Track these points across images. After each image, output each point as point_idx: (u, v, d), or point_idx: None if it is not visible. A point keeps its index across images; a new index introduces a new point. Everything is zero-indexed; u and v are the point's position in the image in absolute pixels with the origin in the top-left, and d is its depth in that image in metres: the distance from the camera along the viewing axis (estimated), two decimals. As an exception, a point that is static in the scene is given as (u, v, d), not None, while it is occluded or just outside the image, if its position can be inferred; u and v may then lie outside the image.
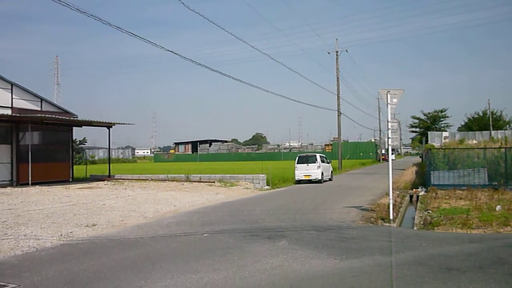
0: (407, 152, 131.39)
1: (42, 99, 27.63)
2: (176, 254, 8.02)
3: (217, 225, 11.13)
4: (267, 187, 23.61)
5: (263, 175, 24.84)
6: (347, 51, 52.72)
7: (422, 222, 12.06)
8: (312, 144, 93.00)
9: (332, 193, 20.13)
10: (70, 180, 27.99)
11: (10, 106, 25.18)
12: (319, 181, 26.17)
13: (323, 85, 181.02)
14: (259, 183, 23.91)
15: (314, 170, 26.31)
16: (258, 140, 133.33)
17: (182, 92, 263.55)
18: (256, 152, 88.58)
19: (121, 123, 29.62)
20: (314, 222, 11.53)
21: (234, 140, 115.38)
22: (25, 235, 9.62)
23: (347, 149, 73.15)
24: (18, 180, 24.49)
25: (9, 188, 22.49)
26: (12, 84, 25.58)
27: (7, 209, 13.98)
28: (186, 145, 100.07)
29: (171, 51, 19.67)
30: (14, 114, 24.07)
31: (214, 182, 24.42)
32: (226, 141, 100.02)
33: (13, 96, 25.52)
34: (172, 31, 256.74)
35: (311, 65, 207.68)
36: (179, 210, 14.20)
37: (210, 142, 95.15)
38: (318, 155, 27.55)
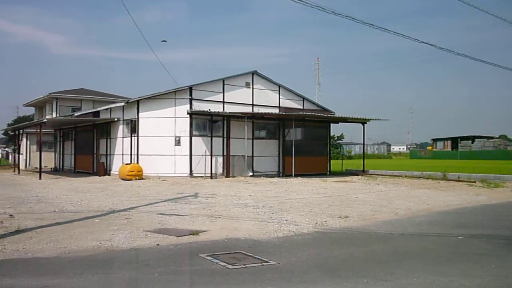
0: None
1: (304, 98, 30.37)
2: (424, 253, 7.75)
3: (474, 229, 10.22)
4: (543, 191, 20.22)
5: (537, 176, 21.45)
6: None
7: None
8: None
9: None
10: (327, 173, 29.89)
11: (277, 105, 28.53)
12: None
13: None
14: (531, 186, 20.70)
15: None
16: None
17: (441, 85, 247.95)
18: (531, 150, 76.48)
19: (376, 119, 29.98)
20: None
21: (503, 136, 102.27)
22: (286, 220, 10.82)
23: None
24: (284, 171, 27.53)
25: (276, 178, 25.54)
26: (279, 86, 28.94)
27: (274, 196, 15.94)
28: (445, 142, 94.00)
29: (425, 43, 18.87)
30: (281, 113, 27.18)
31: (474, 182, 22.33)
32: (492, 137, 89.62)
33: (280, 97, 28.83)
34: (422, 21, 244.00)
35: None
36: (433, 209, 13.56)
37: (472, 138, 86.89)
38: None
